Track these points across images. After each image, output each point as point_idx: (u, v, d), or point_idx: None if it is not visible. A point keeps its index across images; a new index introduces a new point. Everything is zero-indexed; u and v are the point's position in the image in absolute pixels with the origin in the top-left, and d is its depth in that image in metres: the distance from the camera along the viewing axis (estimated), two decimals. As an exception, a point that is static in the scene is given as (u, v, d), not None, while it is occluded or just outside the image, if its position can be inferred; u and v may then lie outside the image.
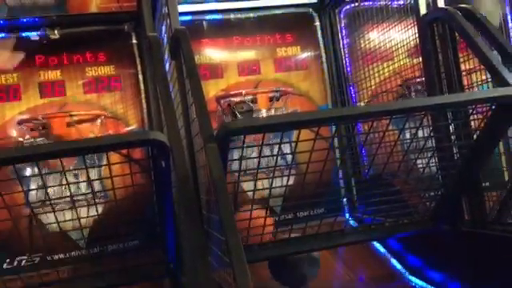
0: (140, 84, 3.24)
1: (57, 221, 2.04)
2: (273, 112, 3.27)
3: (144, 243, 2.97)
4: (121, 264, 2.45)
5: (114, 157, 2.77)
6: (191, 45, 2.18)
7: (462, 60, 2.40)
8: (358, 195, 3.30)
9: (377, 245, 3.08)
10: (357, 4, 3.27)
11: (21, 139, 2.95)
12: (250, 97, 3.23)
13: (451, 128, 2.37)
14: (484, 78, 2.33)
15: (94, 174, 2.85)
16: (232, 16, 3.49)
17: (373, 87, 3.19)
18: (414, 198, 2.49)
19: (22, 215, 2.56)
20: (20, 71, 3.10)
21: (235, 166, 2.33)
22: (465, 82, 2.40)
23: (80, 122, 2.94)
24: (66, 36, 3.19)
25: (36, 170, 2.47)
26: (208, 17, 3.44)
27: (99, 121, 3.01)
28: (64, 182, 1.91)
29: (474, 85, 2.39)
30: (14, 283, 2.38)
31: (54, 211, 2.02)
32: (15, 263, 2.81)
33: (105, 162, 2.06)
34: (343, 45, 3.50)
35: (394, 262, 2.96)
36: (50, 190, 2.18)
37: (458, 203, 2.39)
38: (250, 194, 2.14)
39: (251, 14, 3.51)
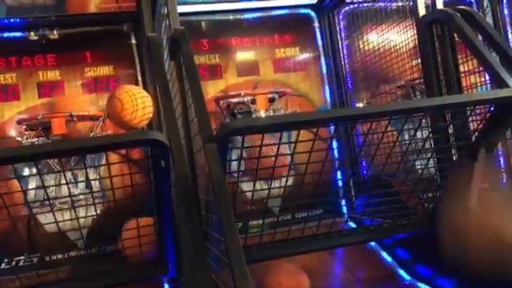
0: (139, 84, 3.23)
1: (55, 221, 2.04)
2: (272, 113, 3.27)
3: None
4: (119, 264, 2.45)
5: (113, 157, 2.78)
6: (190, 45, 2.18)
7: (460, 61, 2.41)
8: (356, 196, 3.31)
9: (375, 245, 3.08)
10: (356, 5, 3.28)
11: (19, 139, 2.95)
12: (249, 97, 3.23)
13: (450, 129, 2.38)
14: (483, 79, 2.34)
15: (93, 174, 2.85)
16: (231, 17, 3.49)
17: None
18: (413, 199, 2.50)
19: (21, 215, 2.56)
20: (19, 71, 3.10)
21: (234, 166, 2.33)
22: (464, 84, 2.41)
23: (79, 122, 2.93)
24: (65, 36, 3.18)
25: (34, 169, 2.47)
26: (207, 17, 3.44)
27: (98, 121, 3.00)
28: (63, 181, 1.90)
29: (473, 86, 2.40)
30: (12, 283, 2.38)
31: (53, 211, 2.01)
32: (13, 263, 2.80)
33: (104, 162, 2.06)
34: (342, 46, 3.50)
35: (392, 262, 2.97)
36: (48, 190, 2.17)
37: (456, 204, 2.39)
38: (249, 194, 2.14)
39: (250, 15, 3.51)
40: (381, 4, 2.98)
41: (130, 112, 2.54)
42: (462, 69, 2.40)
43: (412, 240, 2.66)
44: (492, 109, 1.95)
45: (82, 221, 2.19)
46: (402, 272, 2.86)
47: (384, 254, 3.00)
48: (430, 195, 2.46)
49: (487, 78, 2.21)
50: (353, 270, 2.91)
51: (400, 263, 2.88)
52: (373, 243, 3.03)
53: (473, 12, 2.31)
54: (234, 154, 2.28)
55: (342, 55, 3.49)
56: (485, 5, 3.25)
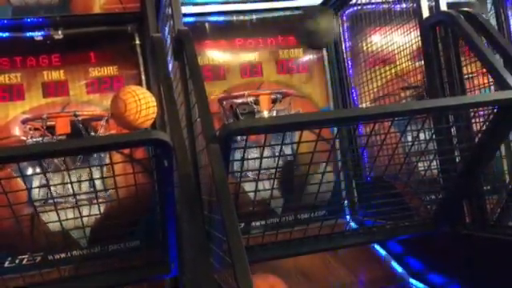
0: (143, 84, 3.25)
1: (59, 220, 2.05)
2: (275, 114, 3.27)
3: (145, 243, 2.98)
4: (122, 263, 2.45)
5: (117, 156, 2.79)
6: (194, 46, 2.19)
7: (464, 63, 2.41)
8: (359, 197, 3.31)
9: (377, 247, 3.08)
10: (360, 7, 3.28)
11: (24, 138, 2.97)
12: (252, 98, 3.23)
13: (453, 131, 2.37)
14: (486, 81, 2.34)
15: (96, 173, 2.86)
16: (234, 18, 3.50)
17: (375, 90, 3.19)
18: (415, 200, 2.50)
19: (24, 214, 2.57)
20: (23, 71, 3.12)
21: (237, 166, 2.34)
22: (467, 85, 2.41)
23: (83, 121, 2.95)
24: (70, 36, 3.20)
25: (38, 169, 2.48)
26: (211, 18, 3.45)
27: (103, 121, 3.01)
28: (66, 180, 1.91)
29: (476, 88, 2.39)
30: (16, 282, 2.39)
31: (57, 210, 2.02)
32: (17, 262, 2.82)
33: (107, 162, 2.07)
34: (345, 47, 3.50)
35: (394, 264, 2.97)
36: (52, 189, 2.19)
37: (458, 206, 2.39)
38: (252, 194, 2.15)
39: (253, 16, 3.52)
40: (384, 6, 2.98)
41: (133, 112, 2.54)
42: (465, 71, 2.39)
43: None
44: (495, 110, 1.95)
45: (85, 220, 2.20)
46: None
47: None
48: (433, 197, 2.46)
49: (490, 79, 2.21)
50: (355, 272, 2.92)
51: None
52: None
53: (476, 14, 2.31)
54: (237, 154, 2.29)
55: (345, 56, 3.49)
56: (488, 7, 3.25)
